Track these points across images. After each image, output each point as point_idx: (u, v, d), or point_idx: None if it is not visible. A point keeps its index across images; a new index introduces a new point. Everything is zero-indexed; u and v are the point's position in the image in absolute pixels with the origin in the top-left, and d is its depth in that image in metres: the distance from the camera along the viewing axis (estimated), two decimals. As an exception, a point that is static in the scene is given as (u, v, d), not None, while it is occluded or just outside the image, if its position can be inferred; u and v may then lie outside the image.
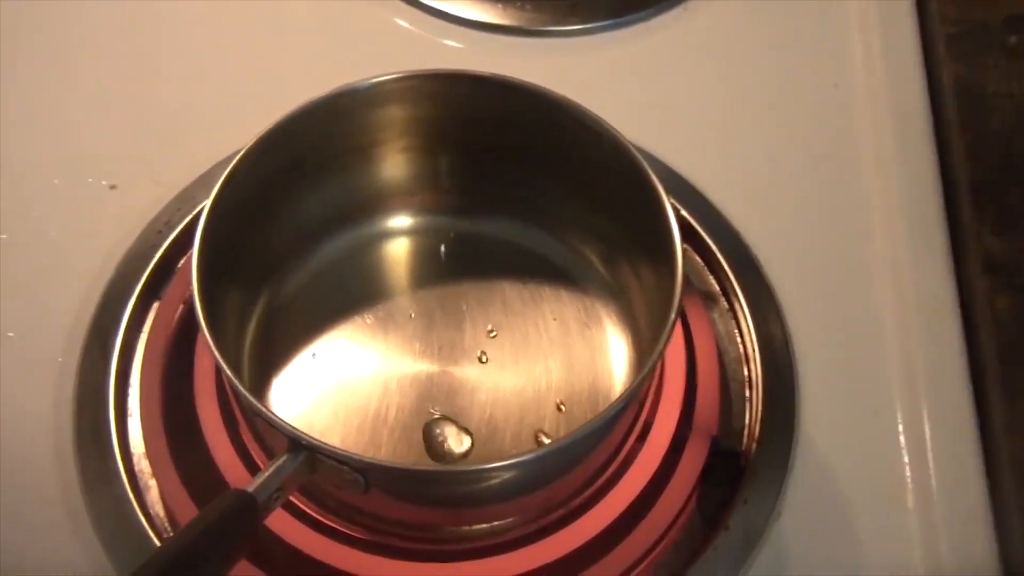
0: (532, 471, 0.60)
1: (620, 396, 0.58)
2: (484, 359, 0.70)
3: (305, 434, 0.55)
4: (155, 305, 0.74)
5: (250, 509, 0.54)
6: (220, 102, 0.85)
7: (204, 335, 0.57)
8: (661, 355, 0.59)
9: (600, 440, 0.64)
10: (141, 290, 0.73)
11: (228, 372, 0.57)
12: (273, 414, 0.56)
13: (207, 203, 0.62)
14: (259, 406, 0.56)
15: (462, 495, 0.62)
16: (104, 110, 0.84)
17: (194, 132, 0.83)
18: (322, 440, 0.55)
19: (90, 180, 0.79)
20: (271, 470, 0.56)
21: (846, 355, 0.74)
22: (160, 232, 0.76)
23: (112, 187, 0.79)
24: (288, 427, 0.56)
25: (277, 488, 0.56)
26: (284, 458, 0.56)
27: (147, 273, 0.74)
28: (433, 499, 0.62)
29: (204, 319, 0.58)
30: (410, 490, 0.61)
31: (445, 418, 0.68)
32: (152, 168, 0.80)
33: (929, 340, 0.74)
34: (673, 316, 0.59)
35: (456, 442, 0.68)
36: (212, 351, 0.57)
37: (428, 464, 0.65)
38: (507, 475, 0.59)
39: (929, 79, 0.87)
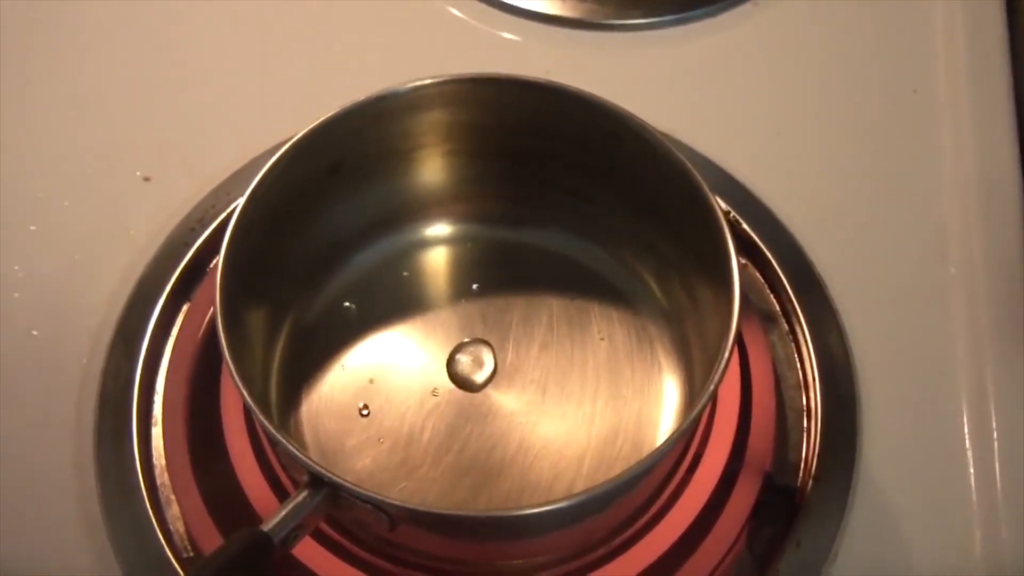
0: (566, 515, 0.56)
1: (667, 440, 0.54)
2: (526, 380, 0.66)
3: (327, 471, 0.52)
4: (185, 307, 0.71)
5: (265, 549, 0.51)
6: (263, 94, 0.81)
7: (227, 362, 0.54)
8: (713, 395, 0.55)
9: (640, 484, 0.60)
10: (171, 291, 0.70)
11: (249, 400, 0.53)
12: (294, 446, 0.53)
13: (234, 212, 0.58)
14: (279, 436, 0.53)
15: (492, 534, 0.58)
16: (142, 99, 0.81)
17: (234, 124, 0.79)
18: (344, 478, 0.52)
19: (124, 171, 0.76)
20: (289, 507, 0.52)
21: (914, 386, 0.70)
22: (193, 230, 0.73)
23: (146, 179, 0.76)
24: (309, 462, 0.52)
25: (295, 526, 0.52)
26: (304, 494, 0.53)
27: (178, 273, 0.71)
28: (462, 536, 0.59)
29: (227, 342, 0.54)
30: (437, 528, 0.57)
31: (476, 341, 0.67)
32: (188, 161, 0.77)
33: (1004, 374, 0.69)
34: (727, 355, 0.54)
35: (477, 367, 0.66)
36: (233, 378, 0.53)
37: (455, 508, 0.61)
38: (538, 519, 0.55)
39: (1016, 87, 0.81)
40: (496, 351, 0.67)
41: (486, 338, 0.68)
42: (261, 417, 0.53)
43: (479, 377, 0.66)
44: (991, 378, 0.69)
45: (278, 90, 0.81)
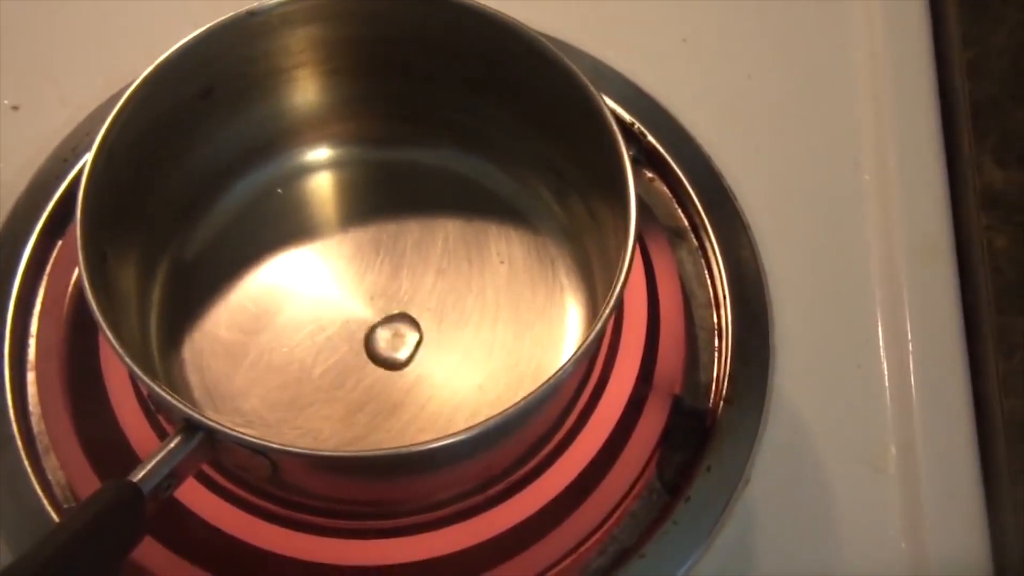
0: (466, 448, 0.53)
1: (567, 361, 0.51)
2: (422, 308, 0.63)
3: (199, 413, 0.49)
4: (58, 244, 0.66)
5: (135, 502, 0.48)
6: (141, 11, 0.75)
7: (91, 306, 0.50)
8: (614, 310, 0.52)
9: (544, 409, 0.57)
10: (42, 228, 0.66)
11: (111, 338, 0.50)
12: (161, 387, 0.49)
13: (94, 142, 0.54)
14: (145, 378, 0.49)
15: (386, 472, 0.55)
16: (8, 19, 0.75)
17: (109, 45, 0.74)
18: (219, 421, 0.49)
19: (-10, 99, 0.72)
20: (161, 455, 0.49)
21: (828, 300, 0.67)
22: (66, 161, 0.68)
23: (14, 108, 0.71)
24: (179, 405, 0.49)
25: (168, 475, 0.49)
26: (177, 439, 0.49)
27: (49, 209, 0.66)
28: (353, 477, 0.56)
29: (91, 286, 0.51)
30: (323, 472, 0.55)
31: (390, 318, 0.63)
32: (60, 86, 0.72)
33: (920, 285, 0.67)
34: (626, 267, 0.52)
35: (398, 343, 0.62)
36: (99, 323, 0.50)
37: (337, 449, 0.58)
38: (436, 455, 0.52)
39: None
40: (388, 283, 0.64)
41: (379, 265, 0.64)
42: (126, 359, 0.49)
43: (375, 312, 0.63)
44: (905, 286, 0.67)
45: (156, 7, 0.75)
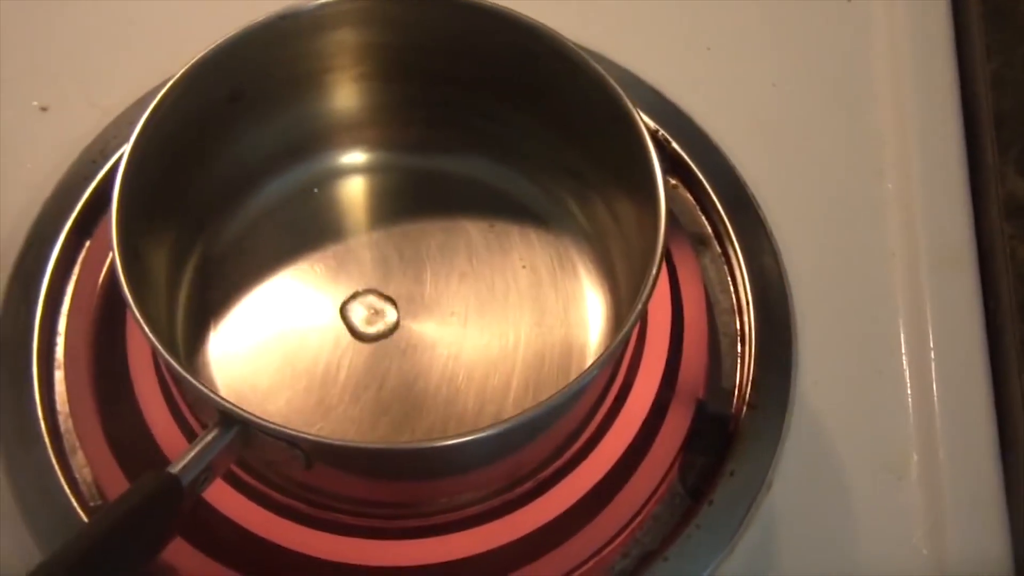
0: (494, 445, 0.54)
1: (594, 363, 0.52)
2: (446, 312, 0.64)
3: (236, 406, 0.49)
4: (86, 245, 0.67)
5: (174, 493, 0.49)
6: (167, 12, 0.76)
7: (128, 303, 0.51)
8: (641, 315, 0.52)
9: (569, 409, 0.58)
10: (71, 228, 0.66)
11: (152, 338, 0.50)
12: (199, 383, 0.50)
13: (128, 142, 0.55)
14: (184, 374, 0.50)
15: (416, 470, 0.56)
16: (38, 21, 0.76)
17: (137, 47, 0.75)
18: (255, 414, 0.49)
19: (19, 101, 0.72)
20: (198, 448, 0.50)
21: (850, 308, 0.68)
22: (94, 162, 0.69)
23: (43, 109, 0.72)
24: (217, 398, 0.50)
25: (205, 468, 0.50)
26: (214, 433, 0.50)
27: (78, 209, 0.67)
28: (383, 474, 0.57)
29: (126, 282, 0.51)
30: (357, 466, 0.55)
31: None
32: (88, 88, 0.72)
33: (943, 294, 0.67)
34: (655, 272, 0.52)
35: (376, 318, 0.63)
36: (136, 317, 0.51)
37: (374, 441, 0.59)
38: (465, 450, 0.52)
39: (955, -5, 0.78)
40: (411, 287, 0.65)
41: (403, 269, 0.65)
42: (165, 355, 0.50)
43: (392, 316, 0.64)
44: (928, 295, 0.68)
45: (182, 11, 0.76)
